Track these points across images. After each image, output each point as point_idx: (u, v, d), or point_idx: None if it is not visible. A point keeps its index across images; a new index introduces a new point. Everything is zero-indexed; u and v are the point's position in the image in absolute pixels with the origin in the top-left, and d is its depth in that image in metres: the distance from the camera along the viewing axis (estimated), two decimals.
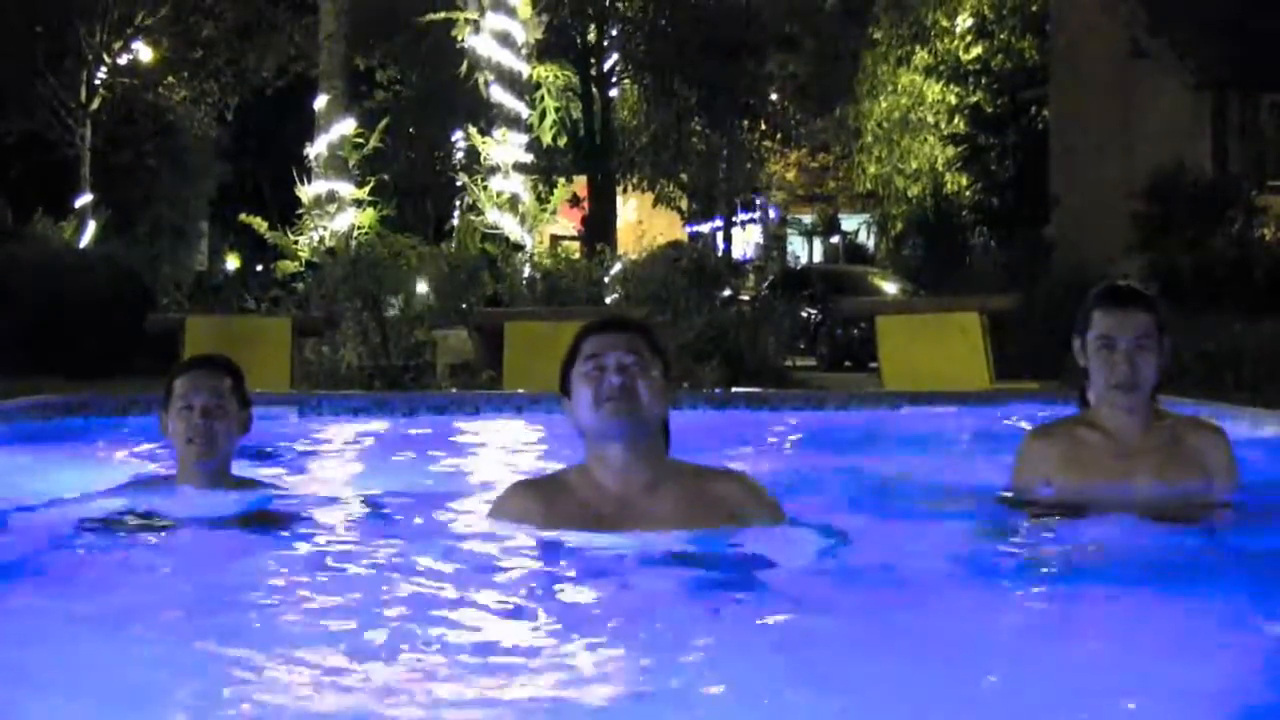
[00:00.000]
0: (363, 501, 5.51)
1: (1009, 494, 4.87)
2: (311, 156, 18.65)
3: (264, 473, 5.29)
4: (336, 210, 17.98)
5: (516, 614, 3.52)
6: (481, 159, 18.57)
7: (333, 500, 5.35)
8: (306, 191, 18.34)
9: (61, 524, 4.67)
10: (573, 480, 4.15)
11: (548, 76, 20.33)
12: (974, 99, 31.21)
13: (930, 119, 32.42)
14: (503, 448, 8.54)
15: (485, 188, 18.08)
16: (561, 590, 3.71)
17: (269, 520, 4.77)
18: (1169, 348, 4.69)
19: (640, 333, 4.12)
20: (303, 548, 4.51)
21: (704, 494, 4.11)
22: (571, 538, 3.99)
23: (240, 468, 5.18)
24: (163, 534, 4.51)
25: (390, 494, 5.70)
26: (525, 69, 18.90)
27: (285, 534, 4.63)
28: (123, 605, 3.58)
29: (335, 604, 3.65)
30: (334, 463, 7.03)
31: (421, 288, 16.36)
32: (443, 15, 19.48)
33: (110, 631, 3.27)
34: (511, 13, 18.64)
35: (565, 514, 4.06)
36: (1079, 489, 4.69)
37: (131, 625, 3.33)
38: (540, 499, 4.14)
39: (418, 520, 4.91)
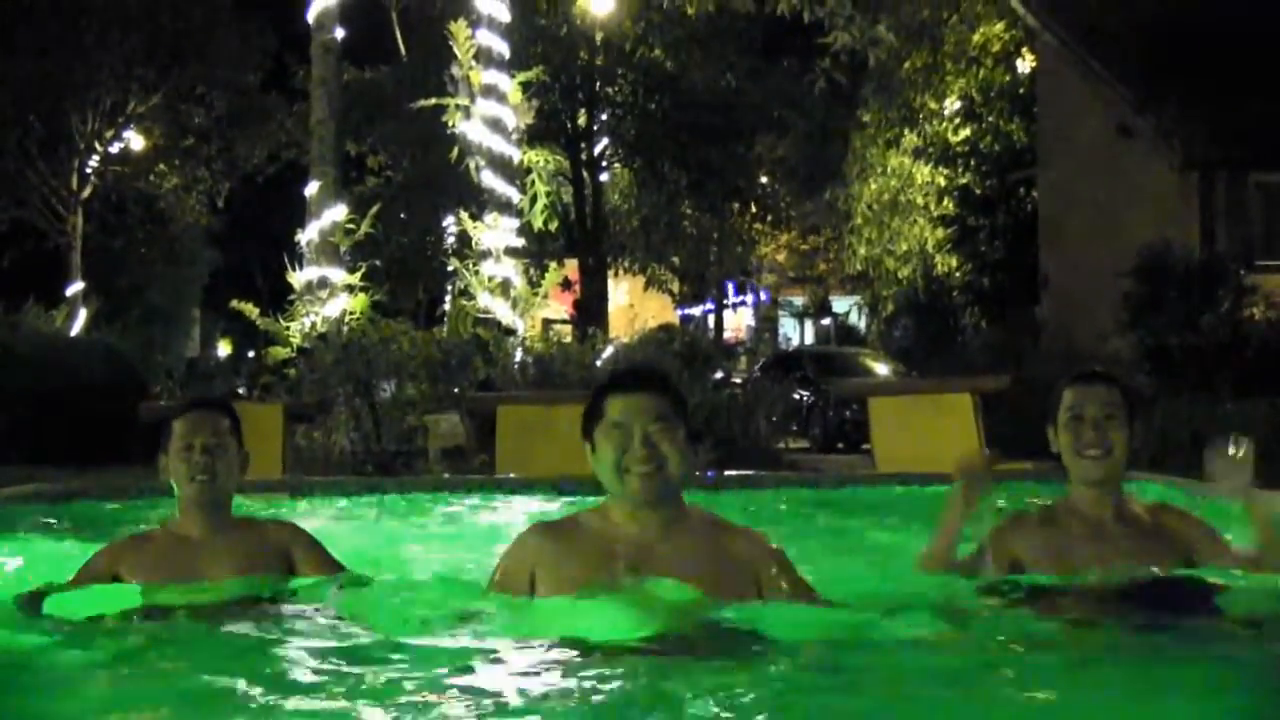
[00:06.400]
0: (359, 579, 5.44)
1: (981, 579, 4.80)
2: (303, 242, 18.67)
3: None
4: (328, 296, 17.99)
5: (506, 675, 3.48)
6: (473, 244, 18.61)
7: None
8: (298, 277, 18.35)
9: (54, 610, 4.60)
10: (589, 521, 4.17)
11: (538, 161, 20.47)
12: (963, 180, 31.44)
13: (920, 200, 32.60)
14: (494, 532, 8.50)
15: (477, 272, 18.12)
16: (561, 646, 3.67)
17: (264, 593, 4.67)
18: (1140, 431, 4.78)
19: (664, 392, 4.10)
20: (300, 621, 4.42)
21: (720, 546, 4.11)
22: (584, 582, 3.97)
23: None
24: (159, 607, 4.43)
25: (380, 572, 5.66)
26: (516, 154, 19.02)
27: (282, 608, 4.54)
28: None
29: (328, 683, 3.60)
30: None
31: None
32: (433, 101, 19.61)
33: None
34: (502, 98, 18.78)
35: (580, 555, 4.06)
36: (1052, 573, 4.65)
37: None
38: (555, 540, 4.14)
39: (407, 601, 4.83)
